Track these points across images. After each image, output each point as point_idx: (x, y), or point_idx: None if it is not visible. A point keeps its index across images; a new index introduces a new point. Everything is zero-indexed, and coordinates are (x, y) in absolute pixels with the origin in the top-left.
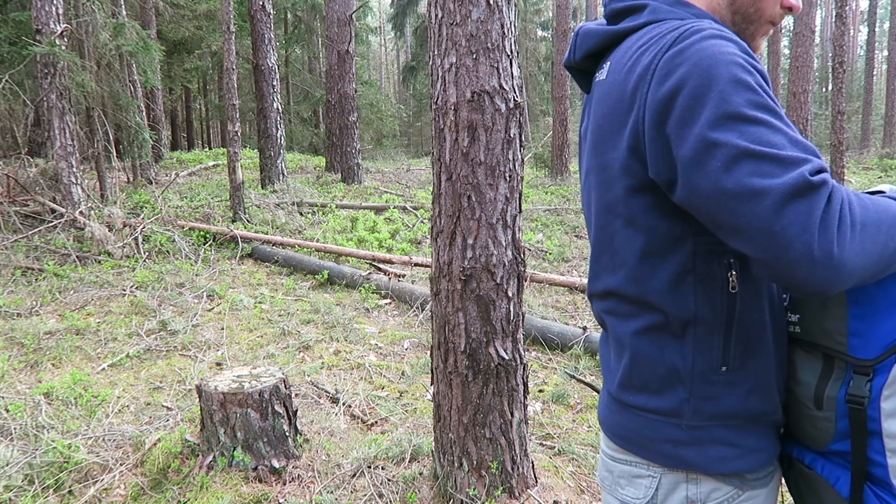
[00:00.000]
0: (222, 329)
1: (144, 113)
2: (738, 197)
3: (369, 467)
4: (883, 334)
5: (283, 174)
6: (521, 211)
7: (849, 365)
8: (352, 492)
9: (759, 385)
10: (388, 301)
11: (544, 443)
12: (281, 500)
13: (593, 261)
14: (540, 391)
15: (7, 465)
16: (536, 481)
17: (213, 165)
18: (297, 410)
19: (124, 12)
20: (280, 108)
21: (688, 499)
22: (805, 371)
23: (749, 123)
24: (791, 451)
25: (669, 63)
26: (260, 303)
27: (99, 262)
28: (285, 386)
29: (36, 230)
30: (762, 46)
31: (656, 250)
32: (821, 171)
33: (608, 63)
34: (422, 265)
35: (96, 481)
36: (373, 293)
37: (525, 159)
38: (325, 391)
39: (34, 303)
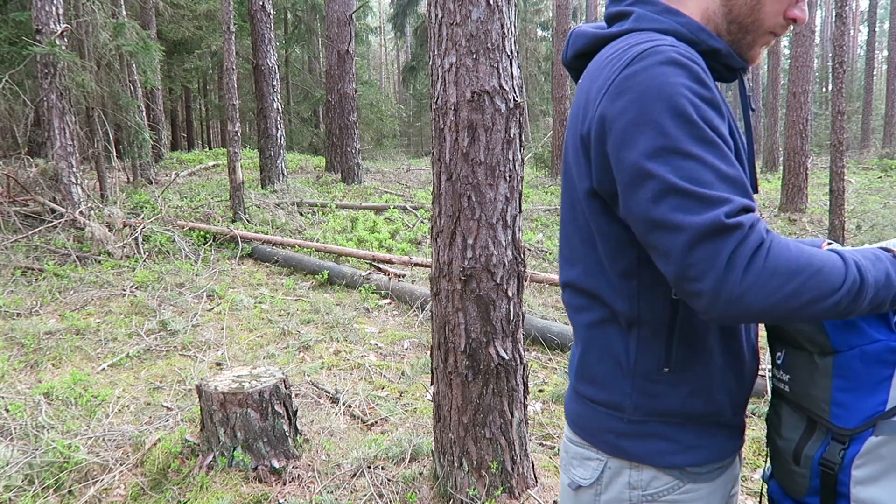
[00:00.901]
0: (222, 329)
1: (144, 113)
2: (661, 227)
3: (369, 467)
4: (863, 408)
5: (283, 174)
6: (521, 211)
7: (829, 430)
8: (352, 492)
9: (702, 388)
10: (388, 301)
11: (544, 443)
12: (281, 500)
13: (560, 253)
14: (540, 391)
15: (7, 464)
16: (536, 481)
17: (213, 165)
18: (297, 410)
19: (124, 12)
20: (280, 108)
21: (630, 484)
22: (789, 428)
23: (683, 158)
24: (774, 492)
25: (622, 84)
26: (260, 303)
27: (99, 262)
28: (285, 386)
29: (36, 230)
30: (761, 56)
31: (606, 251)
32: (743, 210)
33: (592, 62)
34: (422, 265)
35: (96, 481)
36: (373, 293)
37: (525, 159)
38: (325, 391)
39: (34, 303)
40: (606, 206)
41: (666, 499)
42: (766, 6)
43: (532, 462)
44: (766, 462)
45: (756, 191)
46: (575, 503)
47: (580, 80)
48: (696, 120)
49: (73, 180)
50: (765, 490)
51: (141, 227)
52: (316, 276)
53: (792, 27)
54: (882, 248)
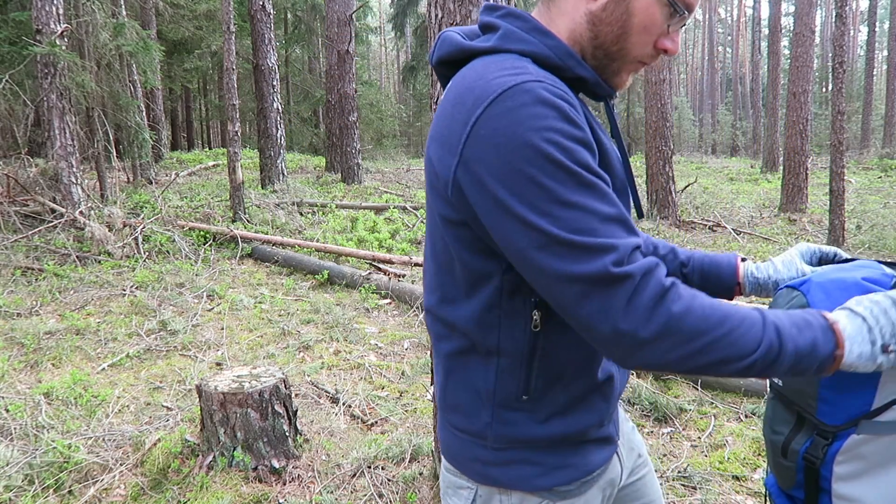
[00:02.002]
0: (222, 329)
1: (144, 113)
2: (547, 276)
3: (369, 467)
4: (849, 407)
5: (283, 174)
6: None
7: (815, 426)
8: (352, 492)
9: (562, 411)
10: (388, 301)
11: None
12: (281, 500)
13: (423, 272)
14: None
15: (7, 465)
16: None
17: (213, 165)
18: (297, 410)
19: (124, 12)
20: (280, 108)
21: None
22: (780, 422)
23: (562, 207)
24: (770, 485)
25: (487, 126)
26: (260, 303)
27: (99, 262)
28: (285, 386)
29: (36, 230)
30: (628, 82)
31: (467, 281)
32: (634, 251)
33: (454, 80)
34: (422, 265)
35: (96, 481)
36: (373, 293)
37: None
38: (325, 391)
39: (34, 303)
40: (465, 235)
41: None
42: (632, 37)
43: None
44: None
45: (641, 215)
46: None
47: (445, 93)
48: (570, 166)
49: (73, 180)
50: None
51: (141, 227)
52: (316, 276)
53: (792, 26)
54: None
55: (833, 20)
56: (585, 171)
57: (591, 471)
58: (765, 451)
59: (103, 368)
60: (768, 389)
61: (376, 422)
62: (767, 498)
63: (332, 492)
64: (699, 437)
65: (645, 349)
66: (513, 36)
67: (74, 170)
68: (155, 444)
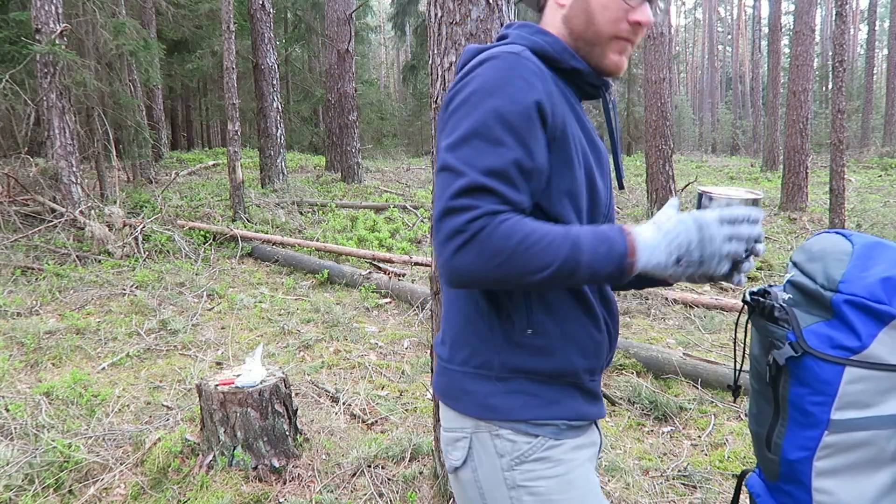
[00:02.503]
0: (222, 328)
1: (144, 112)
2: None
3: (369, 466)
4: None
5: (283, 173)
6: None
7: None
8: (352, 491)
9: (561, 348)
10: (388, 300)
11: None
12: (281, 500)
13: None
14: None
15: (7, 464)
16: None
17: (213, 165)
18: (297, 410)
19: (124, 12)
20: (280, 107)
21: (497, 453)
22: (762, 416)
23: (471, 139)
24: (752, 485)
25: (466, 71)
26: (260, 302)
27: (99, 261)
28: (285, 385)
29: (36, 230)
30: (622, 63)
31: None
32: (474, 190)
33: None
34: (422, 264)
35: (96, 480)
36: (373, 292)
37: None
38: (325, 390)
39: (34, 302)
40: None
41: (534, 457)
42: (596, 16)
43: None
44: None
45: (622, 186)
46: (460, 489)
47: None
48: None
49: (73, 180)
50: (744, 479)
51: (141, 226)
52: (316, 276)
53: (792, 24)
54: (700, 193)
55: (833, 19)
56: (504, 124)
57: (580, 416)
58: None
59: (103, 368)
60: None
61: (376, 421)
62: (750, 499)
63: (332, 491)
64: (699, 436)
65: (460, 270)
66: (521, 38)
67: (74, 169)
68: (155, 444)
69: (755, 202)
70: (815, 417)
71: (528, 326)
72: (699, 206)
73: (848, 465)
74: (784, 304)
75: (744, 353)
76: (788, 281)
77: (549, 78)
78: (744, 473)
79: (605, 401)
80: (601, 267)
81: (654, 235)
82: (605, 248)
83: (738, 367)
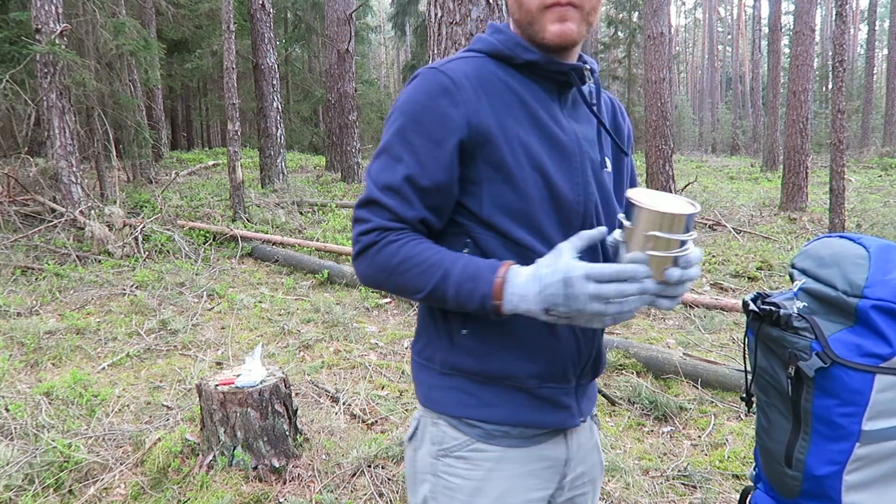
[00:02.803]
0: (222, 328)
1: (144, 112)
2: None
3: (369, 466)
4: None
5: (283, 173)
6: None
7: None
8: (352, 491)
9: (498, 350)
10: (388, 300)
11: None
12: (281, 500)
13: None
14: None
15: (7, 464)
16: None
17: (213, 165)
18: (297, 410)
19: (124, 12)
20: (280, 107)
21: (433, 440)
22: (777, 430)
23: (381, 155)
24: (759, 501)
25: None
26: (260, 302)
27: (99, 261)
28: (285, 385)
29: (36, 230)
30: (567, 29)
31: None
32: (370, 203)
33: None
34: None
35: (96, 480)
36: (373, 292)
37: None
38: (326, 390)
39: (34, 302)
40: None
41: (456, 454)
42: None
43: None
44: (753, 465)
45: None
46: (406, 461)
47: None
48: (395, 127)
49: (73, 180)
50: (748, 498)
51: (141, 226)
52: (316, 276)
53: (792, 24)
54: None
55: (833, 19)
56: (400, 135)
57: (522, 423)
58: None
59: (103, 368)
60: (754, 397)
61: (376, 421)
62: None
63: (332, 491)
64: (699, 436)
65: (359, 273)
66: (479, 40)
67: (74, 169)
68: (155, 444)
69: (675, 219)
70: (845, 430)
71: (463, 327)
72: (626, 216)
73: (880, 476)
74: (803, 313)
75: (745, 360)
76: (801, 288)
77: (474, 86)
78: (746, 492)
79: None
80: (466, 302)
81: (526, 282)
82: (471, 286)
83: (749, 377)
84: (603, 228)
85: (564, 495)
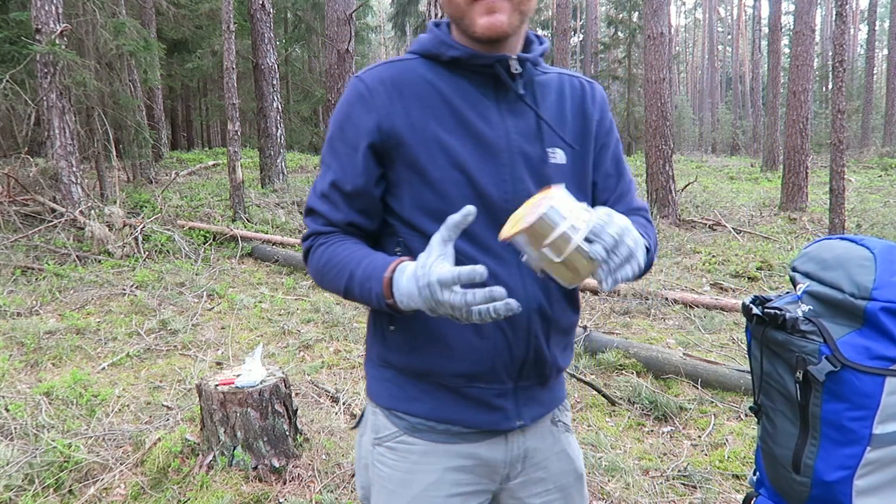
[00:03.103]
0: (222, 328)
1: (144, 112)
2: None
3: None
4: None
5: (284, 173)
6: None
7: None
8: (352, 491)
9: (423, 347)
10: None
11: None
12: (281, 500)
13: None
14: None
15: (7, 464)
16: None
17: (213, 165)
18: (297, 410)
19: (124, 12)
20: (280, 107)
21: (372, 428)
22: (783, 435)
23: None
24: None
25: None
26: (260, 302)
27: (99, 261)
28: (285, 385)
29: (36, 230)
30: (496, 21)
31: None
32: (308, 212)
33: None
34: None
35: (96, 480)
36: None
37: None
38: (326, 390)
39: (34, 302)
40: None
41: (387, 444)
42: None
43: None
44: (754, 469)
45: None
46: (356, 444)
47: None
48: (331, 132)
49: (73, 180)
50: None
51: (141, 226)
52: None
53: (792, 24)
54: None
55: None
56: (333, 138)
57: (444, 419)
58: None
59: (103, 368)
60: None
61: None
62: None
63: (332, 491)
64: (699, 436)
65: (310, 271)
66: (416, 41)
67: (74, 169)
68: (155, 444)
69: (534, 230)
70: (856, 434)
71: (391, 323)
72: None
73: (891, 480)
74: (809, 316)
75: (751, 368)
76: (805, 291)
77: (388, 91)
78: (748, 498)
79: (511, 410)
80: (369, 301)
81: (408, 282)
82: (368, 285)
83: (756, 385)
84: (469, 208)
85: (517, 498)
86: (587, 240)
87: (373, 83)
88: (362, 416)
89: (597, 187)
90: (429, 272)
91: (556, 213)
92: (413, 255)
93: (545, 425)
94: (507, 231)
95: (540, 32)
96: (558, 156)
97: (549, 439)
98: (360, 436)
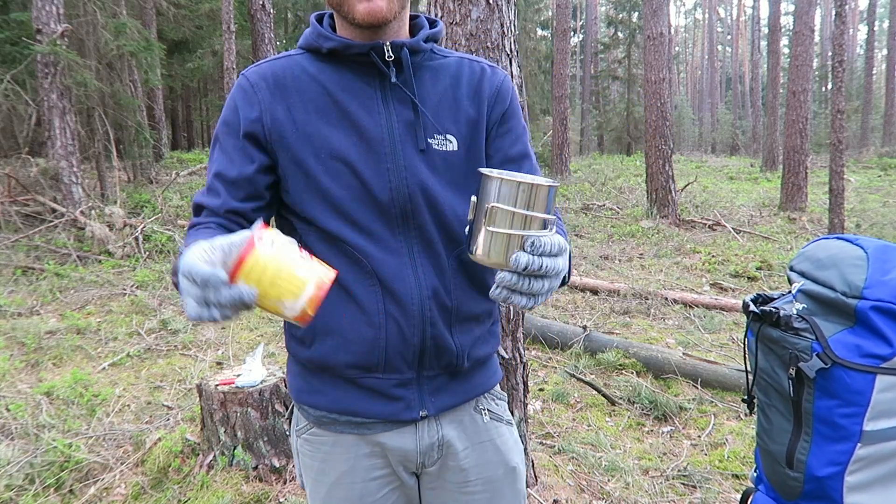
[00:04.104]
0: (222, 328)
1: (145, 112)
2: None
3: None
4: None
5: None
6: None
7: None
8: None
9: (315, 341)
10: None
11: (544, 441)
12: (281, 500)
13: None
14: (540, 390)
15: (8, 464)
16: (536, 480)
17: None
18: None
19: (125, 12)
20: None
21: (294, 420)
22: (778, 431)
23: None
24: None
25: None
26: None
27: (99, 261)
28: (286, 385)
29: (37, 230)
30: (374, 6)
31: None
32: (197, 206)
33: None
34: None
35: (97, 480)
36: None
37: None
38: None
39: (35, 302)
40: None
41: (304, 437)
42: None
43: (532, 461)
44: (754, 467)
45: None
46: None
47: None
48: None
49: (74, 180)
50: (749, 500)
51: (141, 226)
52: None
53: (792, 25)
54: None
55: (832, 19)
56: (220, 131)
57: (344, 410)
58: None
59: (104, 368)
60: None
61: None
62: None
63: None
64: (699, 436)
65: None
66: (302, 36)
67: (75, 169)
68: (155, 444)
69: (517, 188)
70: (847, 430)
71: None
72: (476, 192)
73: (882, 476)
74: (803, 314)
75: (745, 361)
76: (800, 290)
77: (270, 86)
78: (747, 493)
79: (413, 400)
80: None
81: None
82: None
83: (750, 379)
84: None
85: (438, 487)
86: (531, 244)
87: (255, 79)
88: (291, 408)
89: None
90: (185, 260)
91: (540, 195)
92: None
93: (465, 413)
94: (492, 173)
95: (539, 33)
96: (449, 142)
97: (472, 428)
98: (293, 425)
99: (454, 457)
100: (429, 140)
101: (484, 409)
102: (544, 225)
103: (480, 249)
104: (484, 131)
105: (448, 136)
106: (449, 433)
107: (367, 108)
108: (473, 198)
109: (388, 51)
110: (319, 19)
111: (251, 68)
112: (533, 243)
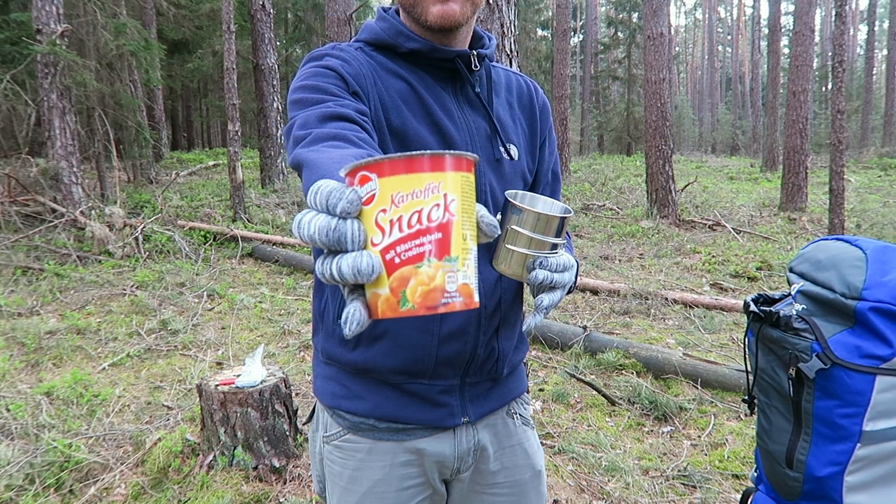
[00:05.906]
0: (223, 328)
1: (145, 113)
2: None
3: None
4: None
5: (284, 173)
6: None
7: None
8: None
9: (366, 344)
10: None
11: (544, 442)
12: (281, 500)
13: None
14: (540, 390)
15: (8, 464)
16: None
17: (214, 165)
18: (297, 410)
19: (125, 12)
20: (280, 107)
21: (322, 426)
22: (777, 432)
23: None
24: (760, 502)
25: None
26: (260, 302)
27: (99, 261)
28: (286, 385)
29: (37, 230)
30: (449, 9)
31: None
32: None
33: None
34: None
35: (97, 480)
36: None
37: None
38: None
39: (35, 302)
40: None
41: (334, 443)
42: None
43: None
44: (755, 467)
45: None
46: (309, 439)
47: None
48: (300, 80)
49: (74, 180)
50: (749, 500)
51: (141, 226)
52: None
53: (792, 25)
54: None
55: (833, 19)
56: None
57: (390, 418)
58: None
59: (104, 368)
60: (754, 398)
61: None
62: None
63: None
64: (699, 436)
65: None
66: (364, 29)
67: (75, 169)
68: (155, 444)
69: (538, 218)
70: (846, 430)
71: (339, 316)
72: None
73: (881, 477)
74: (803, 315)
75: (745, 361)
76: (799, 291)
77: (366, 61)
78: (747, 493)
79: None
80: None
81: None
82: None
83: (750, 379)
84: None
85: (470, 491)
86: (541, 263)
87: (349, 53)
88: (313, 412)
89: (538, 183)
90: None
91: (553, 224)
92: None
93: (498, 417)
94: (519, 202)
95: (539, 33)
96: (513, 152)
97: (503, 432)
98: (313, 430)
99: (486, 460)
100: (500, 149)
101: (515, 413)
102: (555, 246)
103: (500, 262)
104: (537, 145)
105: (512, 146)
106: (484, 438)
107: (448, 113)
108: (498, 215)
109: (475, 60)
110: (385, 12)
111: (330, 49)
112: (542, 263)
